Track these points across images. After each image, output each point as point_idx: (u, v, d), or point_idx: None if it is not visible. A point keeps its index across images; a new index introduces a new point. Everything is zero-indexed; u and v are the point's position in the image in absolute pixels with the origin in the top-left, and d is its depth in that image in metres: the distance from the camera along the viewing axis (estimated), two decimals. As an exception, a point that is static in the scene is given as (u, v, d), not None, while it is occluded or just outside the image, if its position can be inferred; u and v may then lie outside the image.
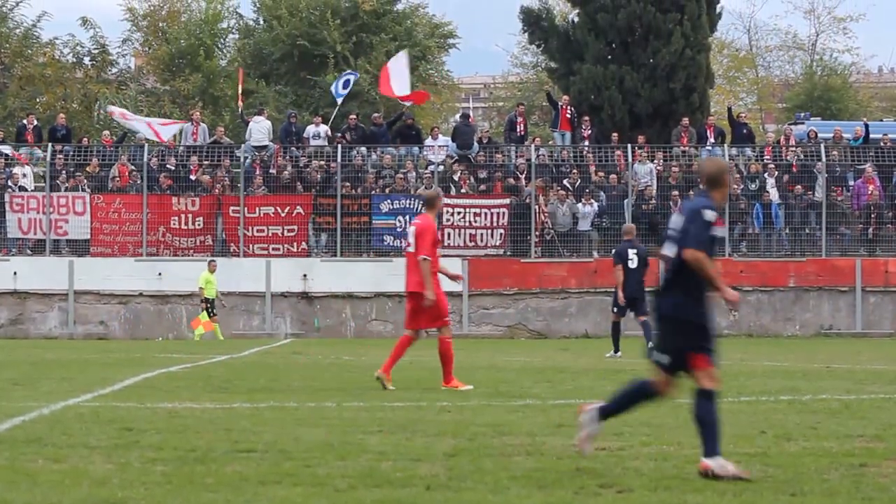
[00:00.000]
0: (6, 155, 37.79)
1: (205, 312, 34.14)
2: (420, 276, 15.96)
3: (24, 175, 36.91)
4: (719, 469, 8.68)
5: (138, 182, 36.69)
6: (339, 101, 40.66)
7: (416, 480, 8.54)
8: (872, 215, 36.75)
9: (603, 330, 35.71)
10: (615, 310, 25.48)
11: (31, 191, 36.75)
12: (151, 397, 14.37)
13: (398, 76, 38.32)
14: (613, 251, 26.12)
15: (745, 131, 40.29)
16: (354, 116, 40.21)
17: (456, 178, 37.18)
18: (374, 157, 38.09)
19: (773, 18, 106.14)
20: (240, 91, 42.08)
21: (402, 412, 12.76)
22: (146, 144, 38.09)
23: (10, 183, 36.67)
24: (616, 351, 25.09)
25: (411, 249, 16.16)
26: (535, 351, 27.54)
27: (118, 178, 37.03)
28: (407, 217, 36.15)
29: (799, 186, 37.05)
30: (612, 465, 9.23)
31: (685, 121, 39.61)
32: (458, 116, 51.95)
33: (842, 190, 37.52)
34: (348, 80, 40.90)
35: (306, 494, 8.08)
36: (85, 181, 36.87)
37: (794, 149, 38.49)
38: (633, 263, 24.45)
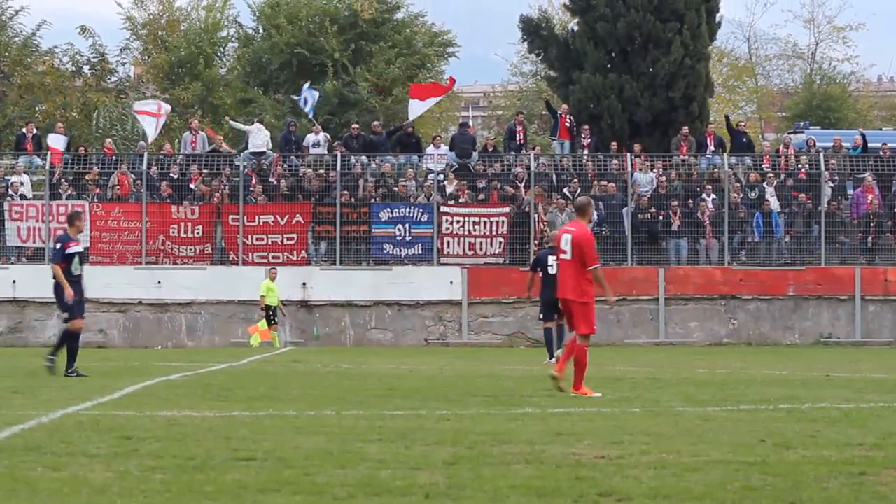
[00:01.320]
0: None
1: (264, 321, 34.18)
2: (575, 283, 16.00)
3: (23, 183, 36.90)
4: None
5: (139, 191, 36.71)
6: (310, 114, 40.78)
7: (416, 489, 8.53)
8: (872, 224, 36.78)
9: (603, 338, 35.74)
10: (542, 316, 25.48)
11: (31, 199, 36.77)
12: (151, 405, 14.36)
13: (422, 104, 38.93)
14: (533, 258, 26.03)
15: (744, 140, 40.35)
16: (357, 125, 40.21)
17: (449, 190, 37.17)
18: (374, 166, 38.11)
19: (772, 28, 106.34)
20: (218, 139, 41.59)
21: (402, 420, 12.75)
22: (146, 153, 38.11)
23: (9, 191, 36.71)
24: (551, 357, 25.31)
25: (567, 257, 16.10)
26: (535, 359, 27.51)
27: (118, 187, 37.04)
28: (406, 225, 36.26)
29: (803, 195, 37.09)
30: (612, 473, 9.22)
31: (685, 129, 39.66)
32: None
33: (841, 199, 37.55)
34: (306, 99, 40.61)
35: (305, 503, 8.08)
36: (96, 189, 36.92)
37: (794, 156, 38.55)
38: (552, 270, 24.79)
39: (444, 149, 38.79)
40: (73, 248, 19.84)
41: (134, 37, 55.63)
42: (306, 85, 41.93)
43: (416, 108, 38.98)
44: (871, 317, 36.24)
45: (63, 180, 37.03)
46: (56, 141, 38.17)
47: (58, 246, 20.09)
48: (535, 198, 36.34)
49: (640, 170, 37.54)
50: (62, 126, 41.73)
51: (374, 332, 35.78)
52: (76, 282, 19.75)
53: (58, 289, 19.75)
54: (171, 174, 37.41)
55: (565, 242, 16.16)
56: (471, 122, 59.27)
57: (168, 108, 40.45)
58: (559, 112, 40.28)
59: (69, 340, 19.92)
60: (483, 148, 39.52)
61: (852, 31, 68.24)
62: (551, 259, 24.61)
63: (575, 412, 13.74)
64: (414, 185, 37.55)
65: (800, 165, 38.23)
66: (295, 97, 40.95)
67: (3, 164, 38.73)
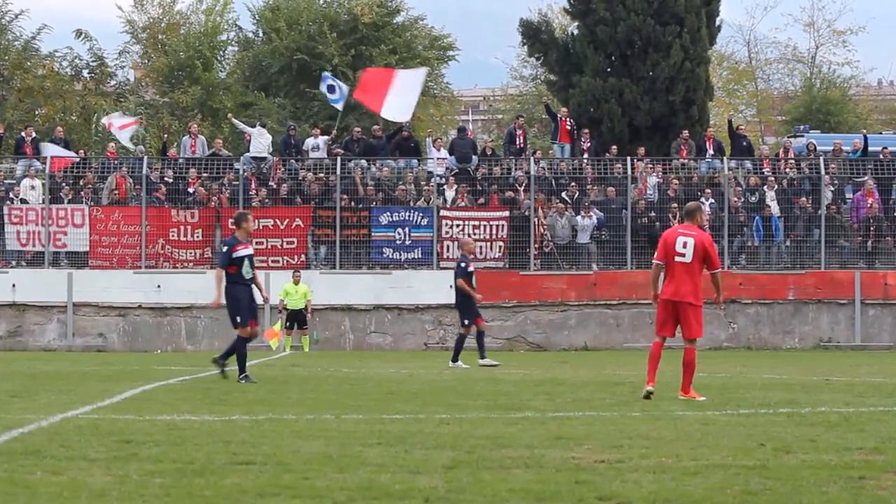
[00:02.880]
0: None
1: (279, 322, 34.23)
2: (694, 286, 16.01)
3: (33, 187, 36.87)
4: None
5: (137, 194, 36.72)
6: (339, 106, 40.02)
7: (415, 493, 8.54)
8: (871, 228, 36.78)
9: (603, 343, 35.79)
10: (466, 322, 25.57)
11: (30, 203, 36.76)
12: (150, 410, 14.36)
13: (403, 93, 37.90)
14: (459, 266, 25.92)
15: (744, 144, 40.36)
16: (359, 129, 40.14)
17: (450, 195, 37.16)
18: (374, 170, 38.10)
19: (772, 31, 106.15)
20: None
21: (401, 424, 12.75)
22: (145, 157, 38.13)
23: (10, 195, 36.71)
24: (455, 360, 25.43)
25: (686, 260, 16.05)
26: (534, 363, 27.52)
27: (116, 191, 37.04)
28: (406, 229, 36.24)
29: (803, 199, 37.09)
30: (611, 477, 9.22)
31: (685, 133, 39.66)
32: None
33: (841, 203, 37.56)
34: (332, 87, 40.20)
35: (305, 507, 8.09)
36: (93, 193, 36.96)
37: (792, 161, 38.56)
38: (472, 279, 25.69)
39: (444, 152, 38.76)
40: (242, 252, 19.37)
41: (134, 40, 55.69)
42: (327, 75, 41.33)
43: (397, 109, 38.06)
44: (871, 321, 36.24)
45: (64, 184, 37.03)
46: (54, 150, 38.11)
47: (224, 249, 19.61)
48: (535, 202, 36.32)
49: (644, 172, 37.54)
50: (61, 130, 41.76)
51: (373, 335, 35.76)
52: (246, 285, 19.33)
53: (228, 296, 19.34)
54: (166, 178, 37.40)
55: (687, 245, 16.14)
56: (470, 126, 59.34)
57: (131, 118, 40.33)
58: (559, 116, 40.29)
59: (239, 346, 19.45)
60: (482, 152, 39.51)
61: (852, 35, 68.29)
62: (472, 266, 25.58)
63: (574, 416, 13.75)
64: (413, 188, 37.51)
65: (798, 171, 38.20)
66: (328, 91, 39.80)
67: (3, 167, 38.72)
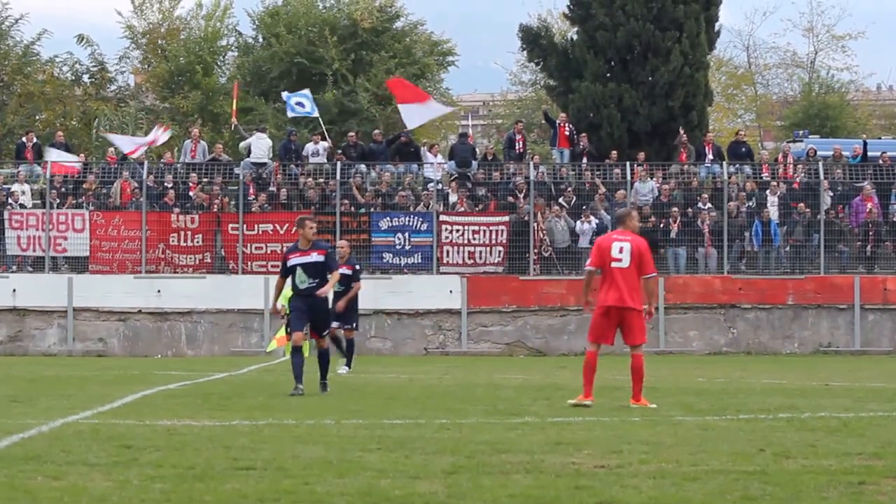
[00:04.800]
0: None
1: (283, 328, 34.22)
2: (638, 292, 15.97)
3: (24, 192, 36.93)
4: None
5: (139, 199, 36.74)
6: (315, 114, 40.30)
7: (415, 498, 8.54)
8: (871, 233, 36.78)
9: (602, 347, 35.66)
10: (355, 325, 25.21)
11: (30, 208, 36.78)
12: (150, 414, 14.37)
13: (424, 112, 38.58)
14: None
15: (743, 150, 40.37)
16: (354, 134, 40.19)
17: (452, 200, 37.20)
18: (374, 175, 38.12)
19: (771, 36, 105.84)
20: (234, 106, 41.88)
21: (401, 429, 12.76)
22: (146, 162, 38.15)
23: (9, 200, 36.72)
24: (348, 365, 25.35)
25: (624, 265, 15.92)
26: (534, 368, 27.52)
27: (118, 196, 37.04)
28: (406, 234, 36.26)
29: (802, 204, 37.09)
30: (611, 482, 9.23)
31: (683, 136, 39.64)
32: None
33: (841, 207, 37.56)
34: (301, 102, 39.94)
35: (305, 512, 8.09)
36: (94, 198, 36.96)
37: (792, 165, 38.56)
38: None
39: (440, 157, 38.78)
40: (295, 260, 18.06)
41: (134, 45, 55.70)
42: (286, 94, 41.38)
43: (412, 117, 38.64)
44: (871, 326, 36.23)
45: (63, 189, 37.05)
46: (57, 156, 38.09)
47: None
48: (535, 206, 36.33)
49: (640, 179, 37.55)
50: (62, 134, 41.77)
51: (373, 340, 35.75)
52: (303, 295, 18.10)
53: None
54: (166, 183, 37.41)
55: (621, 251, 16.07)
56: (470, 132, 59.30)
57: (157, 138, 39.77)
58: (558, 121, 40.31)
59: (292, 355, 18.48)
60: (482, 157, 39.52)
61: (851, 40, 68.30)
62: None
63: (574, 422, 13.75)
64: (410, 194, 37.50)
65: (797, 175, 38.21)
66: (297, 108, 40.17)
67: (4, 172, 38.75)
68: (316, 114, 40.32)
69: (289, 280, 18.45)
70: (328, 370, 18.72)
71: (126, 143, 38.74)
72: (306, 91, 41.39)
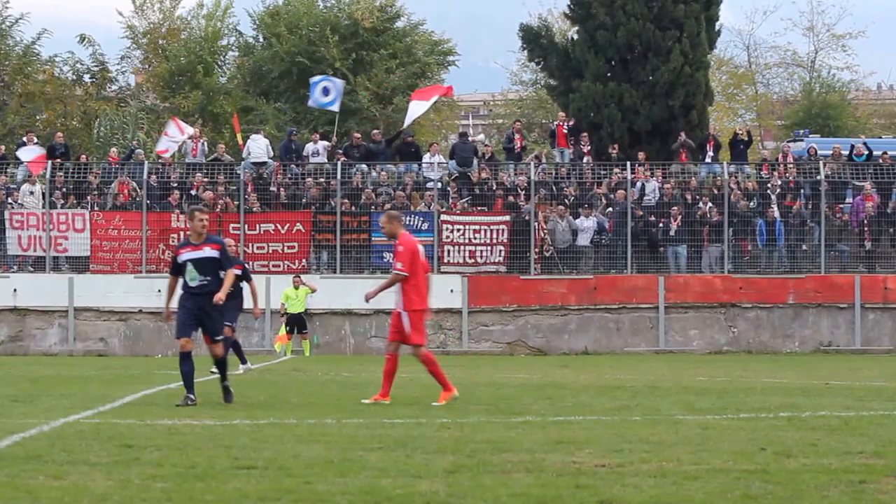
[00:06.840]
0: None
1: (283, 328, 34.34)
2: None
3: (32, 192, 36.86)
4: None
5: (138, 199, 36.74)
6: (334, 108, 39.88)
7: (416, 497, 8.54)
8: (866, 229, 36.76)
9: (604, 347, 35.77)
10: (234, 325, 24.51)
11: (32, 208, 36.78)
12: (151, 414, 14.37)
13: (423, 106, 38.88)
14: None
15: (742, 147, 40.38)
16: (358, 135, 40.14)
17: (451, 200, 37.21)
18: (374, 175, 38.11)
19: (772, 36, 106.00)
20: (239, 139, 41.19)
21: (402, 429, 12.76)
22: (146, 162, 38.14)
23: (10, 200, 36.73)
24: (244, 362, 25.35)
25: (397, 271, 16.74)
26: (535, 367, 27.52)
27: (119, 196, 37.05)
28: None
29: (798, 203, 37.09)
30: (612, 481, 9.23)
31: (682, 137, 39.67)
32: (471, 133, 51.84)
33: (841, 206, 37.57)
34: (327, 88, 39.75)
35: (306, 511, 8.09)
36: (97, 197, 36.95)
37: (793, 164, 38.58)
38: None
39: (440, 157, 38.81)
40: (186, 255, 16.24)
41: (134, 45, 55.71)
42: (318, 78, 40.83)
43: (414, 109, 38.75)
44: (871, 324, 36.24)
45: (63, 188, 37.05)
46: (29, 153, 37.90)
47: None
48: (536, 206, 36.34)
49: (645, 179, 37.57)
50: (62, 135, 41.73)
51: (374, 340, 35.76)
52: (193, 293, 16.17)
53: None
54: (171, 182, 37.40)
55: (421, 254, 16.80)
56: (471, 131, 59.32)
57: (188, 134, 39.11)
58: (556, 121, 40.35)
59: (181, 363, 16.51)
60: (482, 155, 39.52)
61: (852, 39, 68.34)
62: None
63: (575, 420, 13.75)
64: (409, 194, 37.47)
65: (798, 175, 38.21)
66: (322, 94, 39.35)
67: (17, 172, 38.62)
68: (336, 107, 39.81)
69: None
70: (227, 372, 16.94)
71: (169, 142, 38.39)
72: (341, 82, 40.86)
